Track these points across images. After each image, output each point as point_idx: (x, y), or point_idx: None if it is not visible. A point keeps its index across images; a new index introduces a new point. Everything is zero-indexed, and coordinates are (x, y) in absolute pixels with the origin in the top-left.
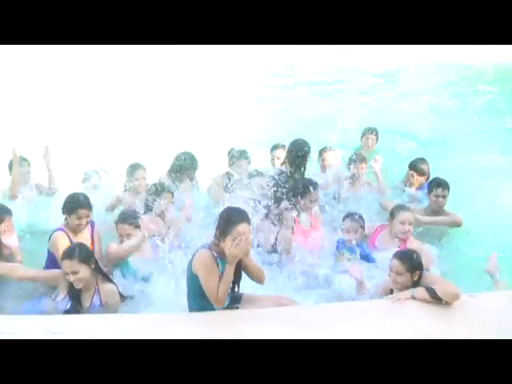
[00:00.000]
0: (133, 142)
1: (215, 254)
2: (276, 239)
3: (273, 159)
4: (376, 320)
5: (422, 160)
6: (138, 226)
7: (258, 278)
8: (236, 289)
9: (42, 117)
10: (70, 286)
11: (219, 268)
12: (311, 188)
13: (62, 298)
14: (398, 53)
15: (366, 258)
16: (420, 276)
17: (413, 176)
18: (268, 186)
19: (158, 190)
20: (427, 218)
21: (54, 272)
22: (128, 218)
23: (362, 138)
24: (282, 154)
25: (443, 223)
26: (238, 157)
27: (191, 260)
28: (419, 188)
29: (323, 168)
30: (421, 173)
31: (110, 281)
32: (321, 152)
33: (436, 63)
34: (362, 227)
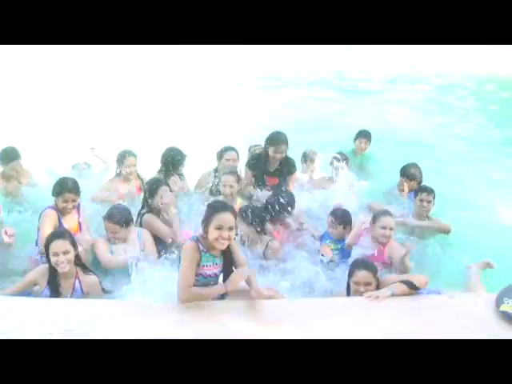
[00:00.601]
0: (130, 140)
1: (201, 247)
2: (265, 250)
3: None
4: (354, 317)
5: (413, 165)
6: (125, 225)
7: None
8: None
9: (40, 112)
10: (49, 279)
11: (201, 260)
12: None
13: (41, 291)
14: (397, 55)
15: (347, 252)
16: (378, 279)
17: (403, 182)
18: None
19: (158, 183)
20: (414, 222)
21: (32, 274)
22: (116, 217)
23: (355, 140)
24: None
25: (430, 227)
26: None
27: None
28: (410, 193)
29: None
30: (411, 178)
31: (92, 272)
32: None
33: (435, 66)
34: (342, 223)
